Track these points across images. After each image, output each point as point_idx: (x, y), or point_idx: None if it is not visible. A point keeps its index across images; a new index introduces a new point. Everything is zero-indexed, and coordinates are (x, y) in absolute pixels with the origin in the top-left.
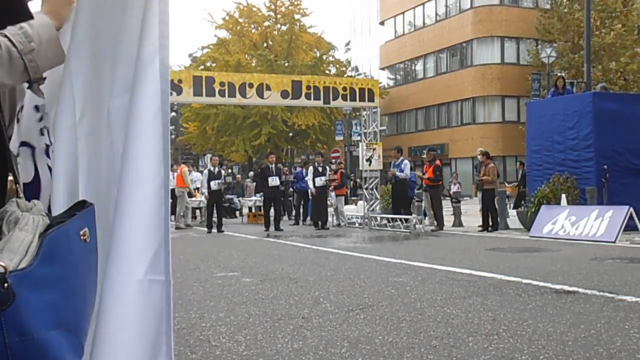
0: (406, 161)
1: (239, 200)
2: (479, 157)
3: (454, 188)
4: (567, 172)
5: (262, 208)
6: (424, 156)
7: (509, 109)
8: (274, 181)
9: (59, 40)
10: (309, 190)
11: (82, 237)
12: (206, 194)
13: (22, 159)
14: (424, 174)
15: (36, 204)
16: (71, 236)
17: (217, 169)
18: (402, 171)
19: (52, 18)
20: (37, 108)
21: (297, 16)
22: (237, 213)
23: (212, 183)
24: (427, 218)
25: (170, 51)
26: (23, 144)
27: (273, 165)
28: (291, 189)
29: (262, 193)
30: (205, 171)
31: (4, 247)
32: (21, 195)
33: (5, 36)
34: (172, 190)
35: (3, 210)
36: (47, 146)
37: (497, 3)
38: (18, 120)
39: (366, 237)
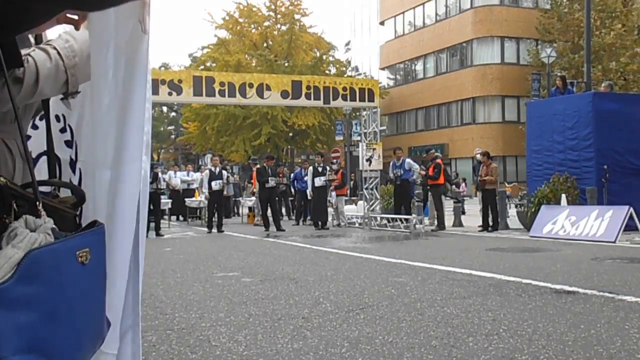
0: (408, 160)
1: (238, 200)
2: (477, 157)
3: (460, 188)
4: (567, 172)
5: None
6: (425, 155)
7: (509, 109)
8: (270, 182)
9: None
10: (307, 191)
11: (78, 259)
12: (206, 194)
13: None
14: (426, 170)
15: (46, 221)
16: (61, 256)
17: (218, 169)
18: (408, 172)
19: None
20: (57, 118)
21: (297, 16)
22: (237, 213)
23: (212, 183)
24: (427, 218)
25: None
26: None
27: (269, 167)
28: (292, 189)
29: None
30: (206, 171)
31: None
32: (41, 212)
33: (55, 48)
34: (175, 191)
35: (9, 226)
36: (72, 160)
37: (497, 3)
38: (37, 127)
39: (366, 237)
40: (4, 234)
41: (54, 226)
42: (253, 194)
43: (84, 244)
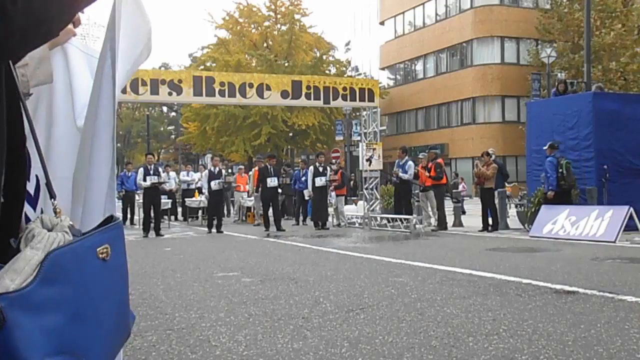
0: (410, 162)
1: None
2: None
3: (460, 188)
4: None
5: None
6: (420, 157)
7: (509, 109)
8: (272, 182)
9: (50, 61)
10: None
11: (100, 255)
12: (206, 194)
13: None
14: (419, 172)
15: (63, 220)
16: (82, 254)
17: (217, 169)
18: (405, 172)
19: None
20: None
21: (297, 16)
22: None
23: (212, 183)
24: (423, 218)
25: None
26: None
27: (271, 167)
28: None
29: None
30: (206, 171)
31: (9, 267)
32: (58, 209)
33: None
34: (171, 191)
35: (26, 228)
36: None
37: (497, 3)
38: None
39: (366, 237)
40: (22, 236)
41: (71, 223)
42: (249, 194)
43: (104, 240)
